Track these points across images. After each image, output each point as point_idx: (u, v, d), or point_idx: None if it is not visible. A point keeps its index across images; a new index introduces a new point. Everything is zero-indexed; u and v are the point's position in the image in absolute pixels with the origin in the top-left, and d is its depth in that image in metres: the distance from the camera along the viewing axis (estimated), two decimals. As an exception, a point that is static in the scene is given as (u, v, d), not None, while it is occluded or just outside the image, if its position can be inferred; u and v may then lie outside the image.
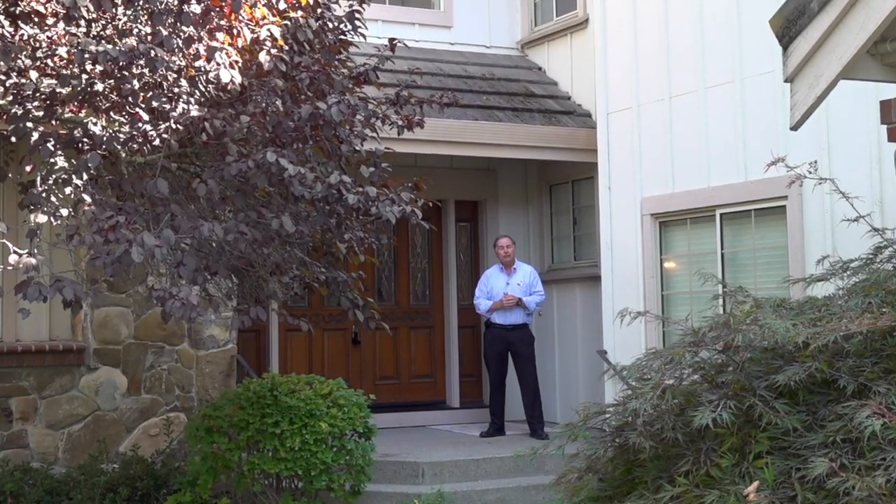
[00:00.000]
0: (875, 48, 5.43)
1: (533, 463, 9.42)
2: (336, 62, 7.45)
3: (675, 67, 10.90)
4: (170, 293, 6.01)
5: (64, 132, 6.46)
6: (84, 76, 6.32)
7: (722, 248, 10.40)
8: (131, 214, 6.14)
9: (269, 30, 6.70)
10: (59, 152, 6.30)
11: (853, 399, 4.36)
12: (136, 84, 6.27)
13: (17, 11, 6.38)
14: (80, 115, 6.57)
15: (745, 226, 10.27)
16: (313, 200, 6.82)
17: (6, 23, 6.33)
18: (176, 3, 6.34)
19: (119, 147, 6.34)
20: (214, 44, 6.42)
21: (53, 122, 6.55)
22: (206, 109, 6.49)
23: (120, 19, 6.53)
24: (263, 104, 6.74)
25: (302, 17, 6.98)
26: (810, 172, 6.44)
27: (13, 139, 6.40)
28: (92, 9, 6.25)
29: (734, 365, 4.98)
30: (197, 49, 6.41)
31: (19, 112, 6.38)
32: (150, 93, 6.33)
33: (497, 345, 11.47)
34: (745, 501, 4.19)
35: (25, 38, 6.37)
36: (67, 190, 6.16)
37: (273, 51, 6.72)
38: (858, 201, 6.16)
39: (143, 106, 6.33)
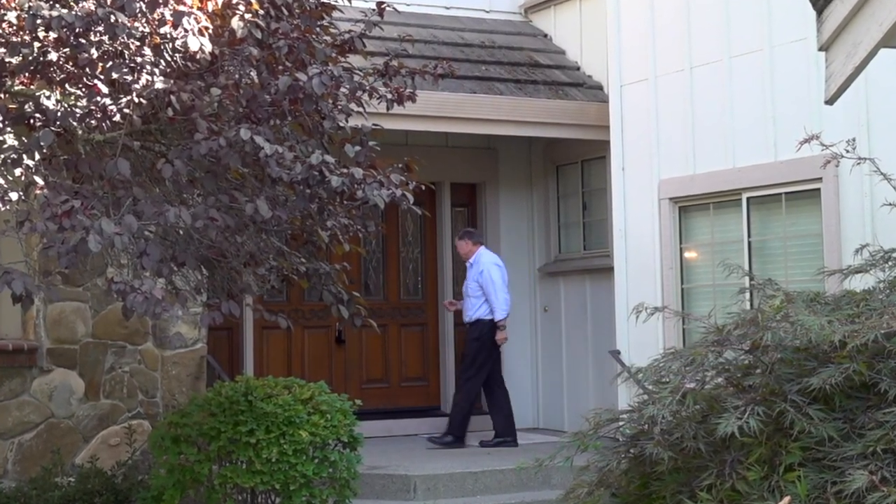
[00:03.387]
0: (920, 13, 5.43)
1: (538, 476, 9.41)
2: (318, 28, 7.43)
3: (697, 34, 10.90)
4: (131, 286, 6.01)
5: (13, 106, 6.45)
6: (36, 44, 6.30)
7: (749, 236, 10.41)
8: (89, 198, 6.13)
9: (242, -9, 6.69)
10: (9, 129, 6.28)
11: None
12: (95, 53, 6.25)
13: (-40, -28, 6.36)
14: (31, 87, 6.55)
15: (774, 211, 10.28)
16: (292, 183, 6.81)
17: (-53, -16, 6.31)
18: (138, -39, 6.33)
19: (75, 123, 6.33)
20: (182, 8, 6.40)
21: (2, 96, 6.53)
22: (172, 81, 6.48)
23: (76, -20, 6.51)
24: (236, 75, 6.72)
25: (280, -23, 6.97)
26: (847, 151, 6.45)
27: (-44, 114, 6.39)
28: (44, -32, 6.23)
29: (763, 367, 5.00)
30: (162, 14, 6.39)
31: (-37, 84, 6.37)
32: (110, 63, 6.31)
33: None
34: (774, 519, 4.21)
35: (-31, 1, 6.36)
36: (17, 171, 6.15)
37: (247, 16, 6.71)
38: (901, 184, 6.17)
39: (101, 77, 6.32)
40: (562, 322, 12.90)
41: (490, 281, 11.76)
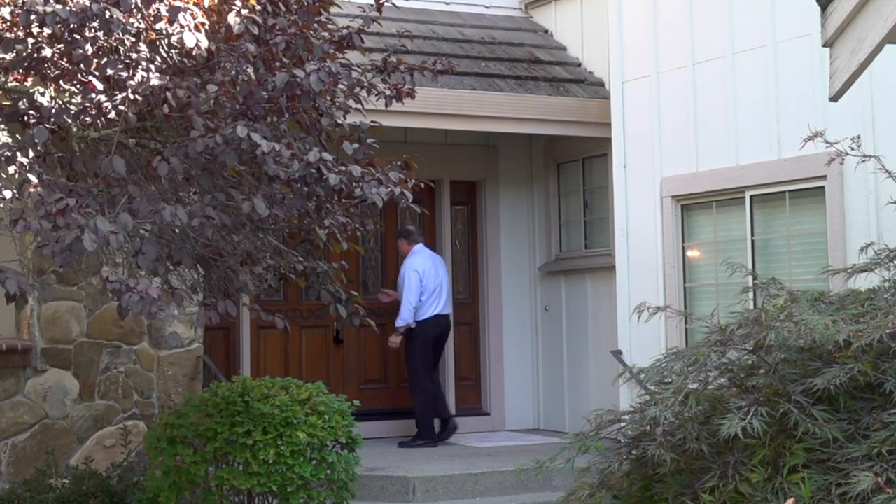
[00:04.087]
0: (926, 8, 5.43)
1: (538, 478, 9.42)
2: (315, 24, 7.43)
3: (700, 30, 10.89)
4: (127, 285, 6.00)
5: (7, 103, 6.45)
6: (30, 40, 6.30)
7: (752, 235, 10.41)
8: (83, 196, 6.13)
9: (239, -13, 6.69)
10: (2, 126, 6.28)
11: (901, 405, 4.38)
12: (90, 49, 6.26)
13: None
14: (25, 84, 6.56)
15: (778, 209, 10.28)
16: (289, 181, 6.81)
17: (-60, -20, 6.32)
18: (133, -44, 6.33)
19: (70, 120, 6.33)
20: (177, 3, 6.40)
21: (-5, 92, 6.55)
22: (168, 78, 6.48)
23: (70, -25, 6.51)
24: (233, 72, 6.73)
25: (277, -28, 6.97)
26: (852, 149, 6.44)
27: (-51, 111, 6.39)
28: (38, -37, 6.23)
29: (766, 367, 4.99)
30: (157, 9, 6.39)
31: (-44, 81, 6.38)
32: (105, 59, 6.31)
33: None
34: (778, 521, 4.21)
35: (-38, -3, 6.36)
36: (11, 169, 6.15)
37: (244, 11, 6.71)
38: (907, 182, 6.17)
39: (96, 74, 6.32)
40: (563, 321, 12.90)
41: (403, 285, 11.91)
